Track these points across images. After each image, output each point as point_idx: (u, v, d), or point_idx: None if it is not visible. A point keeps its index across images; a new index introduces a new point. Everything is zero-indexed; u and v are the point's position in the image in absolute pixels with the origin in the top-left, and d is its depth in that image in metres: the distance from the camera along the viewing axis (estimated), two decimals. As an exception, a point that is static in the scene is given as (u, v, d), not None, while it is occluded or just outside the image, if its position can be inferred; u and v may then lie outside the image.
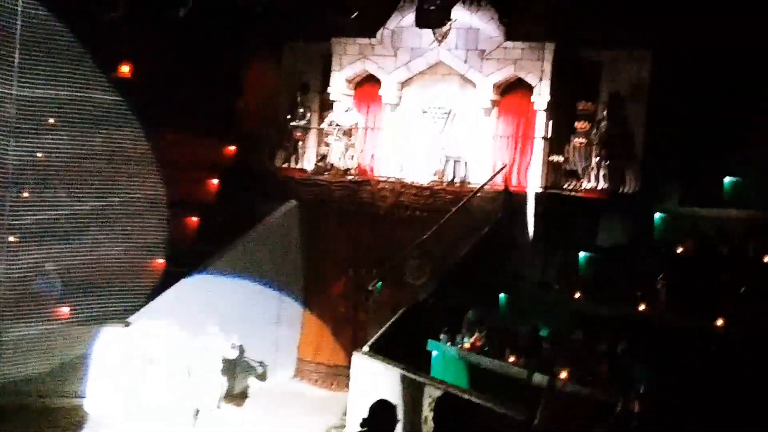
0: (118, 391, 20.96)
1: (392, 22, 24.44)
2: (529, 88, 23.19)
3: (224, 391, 21.48)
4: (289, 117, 25.70)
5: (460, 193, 22.72)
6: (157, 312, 21.54)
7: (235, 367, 21.77)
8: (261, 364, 22.68)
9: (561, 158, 23.01)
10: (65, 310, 21.55)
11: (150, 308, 21.65)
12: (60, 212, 21.53)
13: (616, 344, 16.48)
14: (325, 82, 25.49)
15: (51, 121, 21.37)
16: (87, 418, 20.29)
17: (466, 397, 16.06)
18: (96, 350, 21.28)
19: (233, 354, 21.41)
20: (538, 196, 22.44)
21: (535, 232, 22.05)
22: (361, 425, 10.44)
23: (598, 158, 22.48)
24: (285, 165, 25.61)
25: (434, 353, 19.69)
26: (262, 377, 22.38)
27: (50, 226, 21.32)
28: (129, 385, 20.99)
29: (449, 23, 23.40)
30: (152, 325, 21.27)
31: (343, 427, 19.90)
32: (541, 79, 22.91)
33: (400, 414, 11.18)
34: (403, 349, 19.56)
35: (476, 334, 19.20)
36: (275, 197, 24.93)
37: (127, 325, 21.26)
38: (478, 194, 22.37)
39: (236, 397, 22.26)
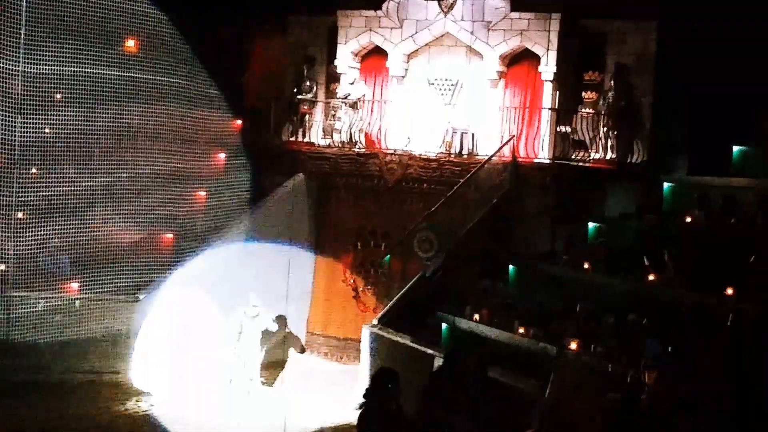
0: (148, 365, 21.04)
1: (398, -6, 24.39)
2: (536, 59, 23.14)
3: (264, 362, 21.53)
4: (295, 90, 25.63)
5: (467, 165, 22.66)
6: (171, 287, 21.58)
7: (274, 339, 21.77)
8: (297, 336, 22.66)
9: (569, 129, 22.98)
10: (74, 286, 21.61)
11: (162, 284, 21.69)
12: (68, 188, 21.55)
13: (625, 315, 16.48)
14: (331, 55, 25.43)
15: (58, 97, 21.35)
16: (107, 392, 20.37)
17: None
18: (108, 325, 21.37)
19: (274, 326, 21.43)
20: (546, 167, 22.41)
21: (543, 203, 22.03)
22: (364, 395, 10.54)
23: (605, 128, 22.47)
24: (292, 138, 25.56)
25: (443, 326, 19.72)
26: (300, 349, 22.33)
27: (58, 203, 21.34)
28: (159, 359, 21.05)
29: (455, -6, 23.41)
30: (169, 301, 21.35)
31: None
32: (547, 50, 22.85)
33: (408, 385, 11.28)
34: (412, 322, 19.63)
35: (485, 306, 19.23)
36: (282, 171, 24.89)
37: (137, 300, 21.29)
38: (486, 166, 22.29)
39: (274, 368, 22.27)
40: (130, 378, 20.86)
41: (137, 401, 19.94)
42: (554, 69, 22.83)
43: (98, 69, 21.73)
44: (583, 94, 23.13)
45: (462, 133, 23.56)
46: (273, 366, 22.19)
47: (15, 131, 20.54)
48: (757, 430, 12.40)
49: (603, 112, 22.50)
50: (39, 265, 21.31)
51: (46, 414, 18.59)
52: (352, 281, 24.49)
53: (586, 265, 19.16)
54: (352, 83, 24.74)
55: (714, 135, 20.83)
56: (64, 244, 21.58)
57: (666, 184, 20.78)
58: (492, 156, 22.43)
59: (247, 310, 20.89)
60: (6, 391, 19.33)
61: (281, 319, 21.70)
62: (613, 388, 13.42)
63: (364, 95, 24.68)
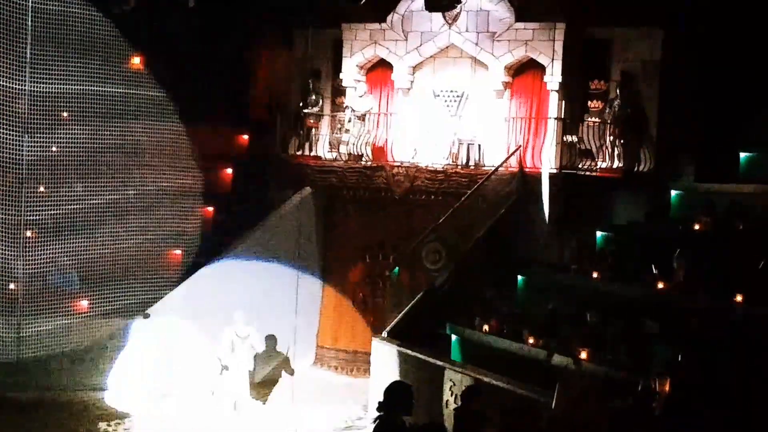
0: (143, 383, 21.07)
1: (402, 7, 24.34)
2: (541, 69, 23.11)
3: (253, 380, 21.50)
4: (301, 104, 25.66)
5: (474, 176, 22.64)
6: (177, 303, 21.63)
7: (261, 357, 21.78)
8: (283, 353, 22.68)
9: (575, 138, 22.95)
10: (84, 304, 21.63)
11: (169, 299, 21.76)
12: (76, 206, 21.57)
13: (634, 324, 16.46)
14: (337, 68, 25.43)
15: (64, 115, 21.40)
16: (109, 411, 20.37)
17: (487, 380, 16.11)
18: (118, 343, 21.43)
19: (262, 346, 21.43)
20: (552, 176, 22.34)
21: (550, 213, 22.00)
22: (378, 409, 10.55)
23: (612, 137, 22.44)
24: (298, 152, 25.56)
25: (453, 337, 19.71)
26: (288, 367, 22.39)
27: (67, 221, 21.36)
28: (154, 377, 21.09)
29: (459, 6, 23.34)
30: (175, 316, 21.36)
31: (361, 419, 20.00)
32: (552, 60, 22.82)
33: (419, 397, 11.27)
34: (421, 334, 19.62)
35: (494, 317, 19.22)
36: (289, 185, 24.93)
37: (147, 317, 21.33)
38: (493, 177, 22.26)
39: (263, 386, 22.29)
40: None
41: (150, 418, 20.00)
42: (560, 78, 22.78)
43: (104, 86, 21.75)
44: (589, 103, 23.11)
45: (468, 144, 23.56)
46: (265, 384, 22.25)
47: (22, 150, 20.58)
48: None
49: (609, 121, 22.48)
50: (48, 284, 21.33)
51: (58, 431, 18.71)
52: (360, 294, 24.50)
53: (594, 274, 19.15)
54: (362, 96, 24.73)
55: (721, 141, 20.83)
56: (73, 261, 21.60)
57: (673, 192, 20.79)
58: (499, 166, 22.41)
59: (238, 329, 20.70)
60: (17, 409, 19.44)
61: (271, 339, 21.76)
62: (622, 395, 13.44)
63: (371, 108, 24.68)
